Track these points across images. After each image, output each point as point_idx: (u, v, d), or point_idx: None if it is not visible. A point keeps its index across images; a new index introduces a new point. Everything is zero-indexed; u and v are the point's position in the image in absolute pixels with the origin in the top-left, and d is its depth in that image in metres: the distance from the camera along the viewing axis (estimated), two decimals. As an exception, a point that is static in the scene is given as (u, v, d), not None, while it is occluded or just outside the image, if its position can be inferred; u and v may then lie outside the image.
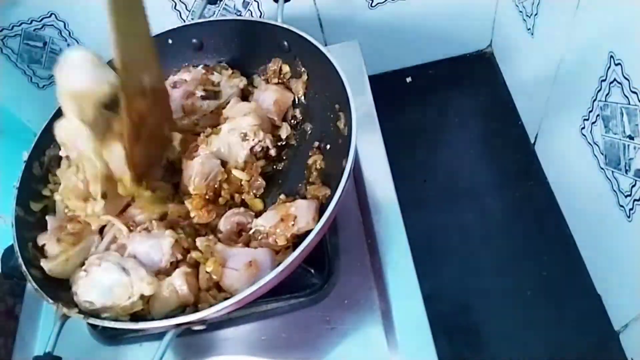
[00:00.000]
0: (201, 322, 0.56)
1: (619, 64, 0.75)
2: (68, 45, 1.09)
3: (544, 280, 1.04)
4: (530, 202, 1.14)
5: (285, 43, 0.78)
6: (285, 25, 0.76)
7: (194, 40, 0.82)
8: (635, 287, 0.85)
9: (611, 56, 0.76)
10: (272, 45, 0.79)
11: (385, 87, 1.05)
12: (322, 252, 0.73)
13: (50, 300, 0.58)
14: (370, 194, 0.80)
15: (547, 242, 1.08)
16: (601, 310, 0.98)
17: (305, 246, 0.56)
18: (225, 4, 1.08)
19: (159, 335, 0.72)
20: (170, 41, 0.82)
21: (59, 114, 0.75)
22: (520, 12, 1.10)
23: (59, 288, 0.62)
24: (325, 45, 1.17)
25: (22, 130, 1.11)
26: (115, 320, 0.58)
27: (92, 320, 0.58)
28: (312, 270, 0.72)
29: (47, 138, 0.72)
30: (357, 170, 0.83)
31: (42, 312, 0.81)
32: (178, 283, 0.60)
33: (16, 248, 0.63)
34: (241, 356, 0.71)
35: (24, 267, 0.61)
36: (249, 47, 0.82)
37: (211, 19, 0.84)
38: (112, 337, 0.74)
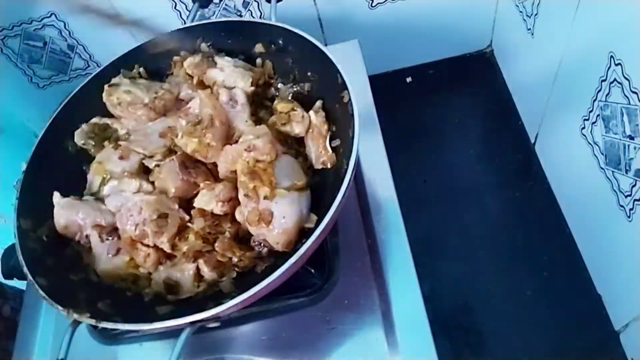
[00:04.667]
0: (215, 319, 0.56)
1: (619, 64, 0.75)
2: (68, 45, 1.09)
3: (544, 280, 1.04)
4: (530, 202, 1.14)
5: (281, 41, 0.77)
6: (279, 24, 0.75)
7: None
8: (635, 287, 0.85)
9: (611, 56, 0.76)
10: (268, 44, 0.79)
11: (385, 87, 1.05)
12: (322, 252, 0.73)
13: (60, 307, 0.58)
14: (370, 194, 0.80)
15: (547, 242, 1.08)
16: (601, 310, 0.98)
17: (307, 247, 0.56)
18: (226, 4, 1.08)
19: (159, 335, 0.73)
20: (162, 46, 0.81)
21: (59, 114, 0.75)
22: (521, 12, 1.10)
23: (67, 294, 0.61)
24: (325, 45, 1.17)
25: (22, 130, 1.12)
26: (129, 322, 0.57)
27: (105, 324, 0.57)
28: (312, 270, 0.72)
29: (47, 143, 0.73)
30: (357, 170, 0.83)
31: (41, 316, 0.81)
32: None
33: (20, 259, 0.62)
34: (241, 356, 0.71)
35: (30, 277, 0.60)
36: (244, 47, 0.82)
37: (204, 21, 0.83)
38: (112, 337, 0.74)
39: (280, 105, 0.73)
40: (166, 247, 0.64)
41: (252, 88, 0.74)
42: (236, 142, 0.69)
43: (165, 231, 0.64)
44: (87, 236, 0.68)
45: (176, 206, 0.66)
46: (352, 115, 0.63)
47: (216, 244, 0.65)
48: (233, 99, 0.73)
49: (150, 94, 0.75)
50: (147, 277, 0.67)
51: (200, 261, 0.65)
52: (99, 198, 0.72)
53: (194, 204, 0.67)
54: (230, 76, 0.75)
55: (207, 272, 0.64)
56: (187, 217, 0.66)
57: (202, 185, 0.67)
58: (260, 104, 0.78)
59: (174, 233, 0.65)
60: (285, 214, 0.62)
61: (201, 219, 0.66)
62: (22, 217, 0.66)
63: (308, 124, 0.72)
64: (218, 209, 0.65)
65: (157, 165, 0.70)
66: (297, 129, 0.72)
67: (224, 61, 0.76)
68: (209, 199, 0.65)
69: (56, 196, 0.70)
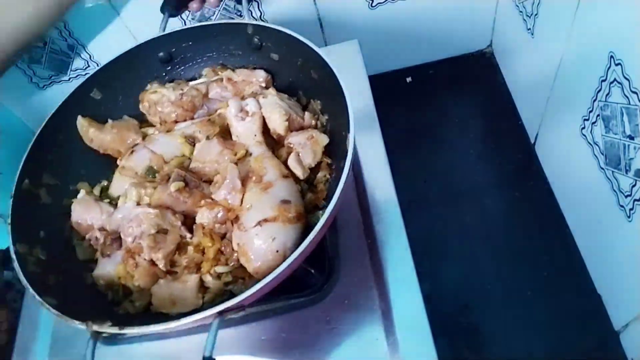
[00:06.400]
0: (240, 307, 0.55)
1: (619, 64, 0.75)
2: (68, 45, 1.09)
3: (544, 280, 1.04)
4: (530, 202, 1.14)
5: (256, 40, 0.76)
6: (253, 22, 0.74)
7: (161, 54, 0.82)
8: (635, 287, 0.85)
9: (611, 56, 0.76)
10: (243, 45, 0.79)
11: (385, 87, 1.05)
12: (322, 252, 0.73)
13: (77, 322, 0.56)
14: (370, 194, 0.80)
15: (547, 242, 1.08)
16: (601, 310, 0.97)
17: (308, 243, 0.56)
18: (226, 4, 1.08)
19: (159, 335, 0.73)
20: (137, 57, 0.81)
21: (57, 115, 0.75)
22: (521, 12, 1.10)
23: (80, 308, 0.60)
24: (325, 45, 1.18)
25: (22, 130, 1.12)
26: (155, 323, 0.54)
27: (128, 330, 0.55)
28: (312, 270, 0.72)
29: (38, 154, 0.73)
30: (357, 170, 0.83)
31: (41, 318, 0.81)
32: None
33: (25, 283, 0.60)
34: (241, 356, 0.71)
35: (38, 298, 0.58)
36: (220, 50, 0.82)
37: (177, 28, 0.81)
38: (112, 337, 0.74)
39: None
40: (161, 265, 0.63)
41: (286, 123, 0.71)
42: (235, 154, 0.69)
43: (162, 247, 0.63)
44: (96, 238, 0.68)
45: (179, 223, 0.65)
46: (346, 104, 0.63)
47: (223, 241, 0.65)
48: (244, 110, 0.70)
49: (176, 92, 0.76)
50: (140, 290, 0.65)
51: (203, 270, 0.64)
52: (115, 201, 0.72)
53: (196, 220, 0.66)
54: (270, 105, 0.71)
55: (211, 281, 0.64)
56: (188, 235, 0.65)
57: (202, 202, 0.66)
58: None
59: (171, 250, 0.64)
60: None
61: (201, 232, 0.65)
62: (17, 242, 0.64)
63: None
64: (216, 230, 0.65)
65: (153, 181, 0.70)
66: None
67: (273, 90, 0.75)
68: (208, 220, 0.65)
69: (81, 192, 0.73)
